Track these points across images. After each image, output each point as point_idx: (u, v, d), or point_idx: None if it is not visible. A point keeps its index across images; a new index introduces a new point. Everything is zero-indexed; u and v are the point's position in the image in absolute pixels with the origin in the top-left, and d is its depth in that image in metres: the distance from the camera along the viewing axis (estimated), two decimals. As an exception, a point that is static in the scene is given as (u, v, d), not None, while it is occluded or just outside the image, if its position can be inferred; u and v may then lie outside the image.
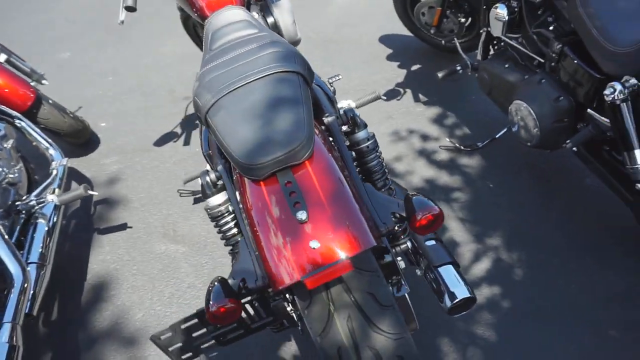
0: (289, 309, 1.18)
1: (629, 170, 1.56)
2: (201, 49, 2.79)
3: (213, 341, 1.27)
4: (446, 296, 1.25)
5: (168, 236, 2.17)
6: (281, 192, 1.03)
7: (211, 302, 0.99)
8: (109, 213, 2.34)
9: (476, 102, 2.58)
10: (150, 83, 3.22)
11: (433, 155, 2.35)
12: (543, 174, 2.15)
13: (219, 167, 1.29)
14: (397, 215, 1.08)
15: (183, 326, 1.22)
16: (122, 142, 2.76)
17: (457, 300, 1.22)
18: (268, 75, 1.17)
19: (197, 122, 2.78)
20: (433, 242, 1.35)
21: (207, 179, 1.31)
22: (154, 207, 2.33)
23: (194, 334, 1.24)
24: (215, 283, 1.03)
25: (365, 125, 1.35)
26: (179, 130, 2.74)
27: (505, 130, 2.25)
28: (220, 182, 1.30)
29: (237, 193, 1.21)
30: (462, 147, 2.33)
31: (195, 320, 1.21)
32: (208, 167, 1.80)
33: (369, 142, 1.34)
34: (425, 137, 2.46)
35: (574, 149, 1.78)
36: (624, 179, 1.67)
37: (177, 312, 1.86)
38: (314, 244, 0.96)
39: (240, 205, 1.18)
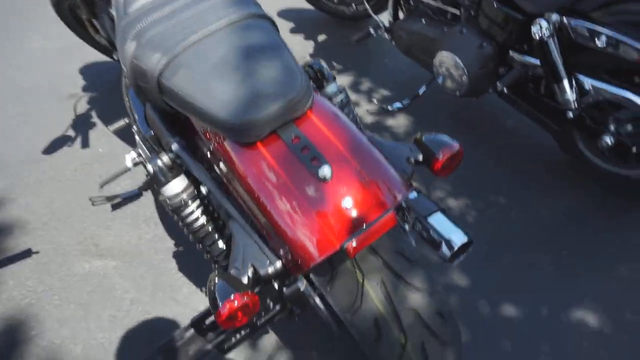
0: (302, 290, 1.03)
1: (559, 101, 1.67)
2: (80, 36, 2.42)
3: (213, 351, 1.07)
4: (443, 245, 1.19)
5: (89, 252, 1.84)
6: (289, 150, 0.88)
7: (220, 303, 0.82)
8: (2, 241, 1.92)
9: (390, 65, 2.61)
10: (25, 84, 2.70)
11: (360, 120, 2.32)
12: (468, 123, 2.24)
13: (174, 146, 1.09)
14: (412, 161, 0.99)
15: (178, 343, 1.01)
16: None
17: (456, 246, 1.18)
18: (234, 22, 1.00)
19: (94, 121, 2.41)
20: (415, 193, 1.30)
21: (159, 163, 1.10)
22: (60, 223, 1.96)
23: (190, 350, 1.04)
24: (217, 280, 0.86)
25: (334, 78, 1.23)
26: (71, 132, 2.34)
27: (425, 87, 2.30)
28: (178, 164, 1.09)
29: (219, 166, 1.01)
30: (388, 108, 2.33)
31: (191, 332, 1.01)
32: (128, 154, 1.54)
33: (341, 96, 1.23)
34: (348, 105, 2.41)
35: (505, 90, 1.87)
36: (550, 112, 1.80)
37: (127, 335, 1.58)
38: (347, 203, 0.83)
39: (228, 179, 0.99)
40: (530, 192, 1.91)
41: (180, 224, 1.19)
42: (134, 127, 1.58)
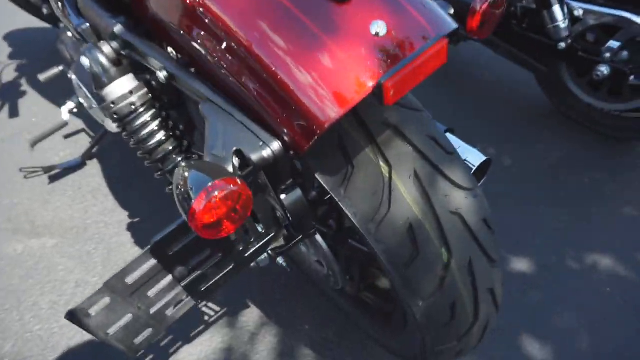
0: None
1: (547, 34, 1.55)
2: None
3: (184, 299, 0.81)
4: (460, 168, 1.03)
5: (23, 231, 1.53)
6: None
7: (194, 196, 0.57)
8: None
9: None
10: None
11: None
12: (446, 76, 2.10)
13: (117, 29, 0.84)
14: None
15: (130, 279, 0.73)
16: None
17: (474, 167, 1.00)
18: None
19: (25, 89, 2.08)
20: (420, 114, 1.12)
21: (100, 56, 0.86)
22: (-14, 202, 1.64)
23: (150, 292, 0.77)
24: (187, 172, 0.59)
25: None
26: (-4, 103, 2.01)
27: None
28: (124, 57, 0.85)
29: (186, 33, 0.75)
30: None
31: (152, 263, 0.74)
32: (64, 106, 1.28)
33: None
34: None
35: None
36: (536, 50, 1.67)
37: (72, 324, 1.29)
38: (379, 28, 0.61)
39: (201, 43, 0.73)
40: (517, 140, 1.78)
41: (131, 141, 0.93)
42: (70, 71, 1.31)
